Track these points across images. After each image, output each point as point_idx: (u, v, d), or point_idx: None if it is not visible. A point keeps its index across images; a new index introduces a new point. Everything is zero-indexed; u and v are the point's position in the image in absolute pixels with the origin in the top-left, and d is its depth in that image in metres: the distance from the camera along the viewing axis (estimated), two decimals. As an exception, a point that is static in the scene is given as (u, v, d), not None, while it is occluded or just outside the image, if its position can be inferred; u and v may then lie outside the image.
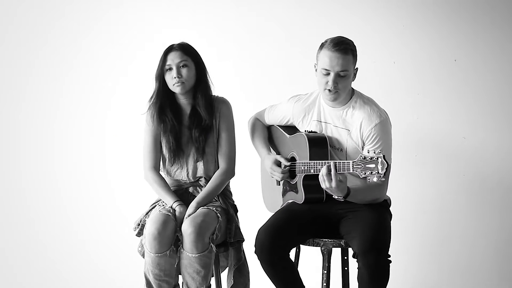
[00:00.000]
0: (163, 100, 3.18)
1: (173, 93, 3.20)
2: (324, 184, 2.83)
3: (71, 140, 4.36)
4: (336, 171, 2.80)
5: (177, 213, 3.07)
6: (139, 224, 3.14)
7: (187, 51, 3.15)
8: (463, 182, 4.13)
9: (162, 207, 3.13)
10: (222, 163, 3.20)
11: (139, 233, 3.13)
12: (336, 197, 2.89)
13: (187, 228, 2.96)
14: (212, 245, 2.98)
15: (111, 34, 4.31)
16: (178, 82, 3.12)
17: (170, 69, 3.12)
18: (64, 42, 4.33)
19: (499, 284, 4.11)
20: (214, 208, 3.07)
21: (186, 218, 3.03)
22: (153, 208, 3.20)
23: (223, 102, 3.24)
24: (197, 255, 2.95)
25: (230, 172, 3.22)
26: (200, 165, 3.20)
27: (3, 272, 4.37)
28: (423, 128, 4.14)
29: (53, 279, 4.34)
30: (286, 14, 4.21)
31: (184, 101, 3.22)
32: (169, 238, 2.99)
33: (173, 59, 3.12)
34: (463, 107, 4.12)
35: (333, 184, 2.80)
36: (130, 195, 4.24)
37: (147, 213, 3.18)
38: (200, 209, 3.06)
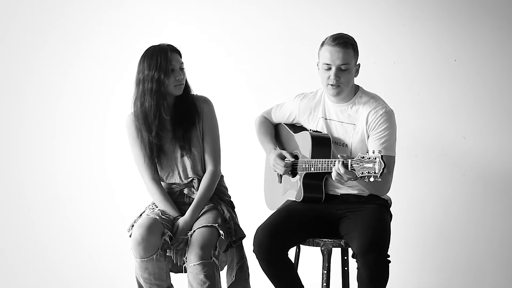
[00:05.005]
0: (153, 103, 3.05)
1: (161, 96, 3.08)
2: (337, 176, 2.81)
3: (71, 140, 4.36)
4: (347, 168, 2.78)
5: (177, 228, 3.06)
6: (132, 226, 3.13)
7: (180, 54, 3.12)
8: (463, 182, 4.13)
9: (151, 210, 3.12)
10: (209, 165, 3.18)
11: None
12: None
13: (193, 257, 2.94)
14: (214, 259, 2.96)
15: (111, 34, 4.31)
16: (180, 84, 3.09)
17: (173, 70, 3.06)
18: (64, 42, 4.33)
19: (499, 285, 4.11)
20: (217, 224, 3.03)
21: (186, 233, 3.03)
22: (145, 210, 3.20)
23: (205, 102, 3.19)
24: (199, 262, 2.92)
25: (217, 173, 3.19)
26: (187, 161, 3.16)
27: (3, 272, 4.37)
28: (423, 128, 4.14)
29: (53, 279, 4.34)
30: (289, 13, 4.21)
31: (170, 102, 3.14)
32: (155, 243, 2.96)
33: (177, 60, 3.07)
34: (463, 107, 4.12)
35: (345, 178, 2.79)
36: (130, 195, 4.24)
37: (140, 215, 3.17)
38: (201, 231, 3.00)
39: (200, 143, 3.18)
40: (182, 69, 3.10)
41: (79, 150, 4.36)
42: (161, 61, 3.04)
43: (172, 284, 3.10)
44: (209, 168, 3.17)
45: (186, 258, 2.98)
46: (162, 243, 2.98)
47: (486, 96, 4.10)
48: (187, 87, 3.16)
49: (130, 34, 4.30)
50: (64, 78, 4.35)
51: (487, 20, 4.08)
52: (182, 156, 3.16)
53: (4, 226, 4.40)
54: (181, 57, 3.11)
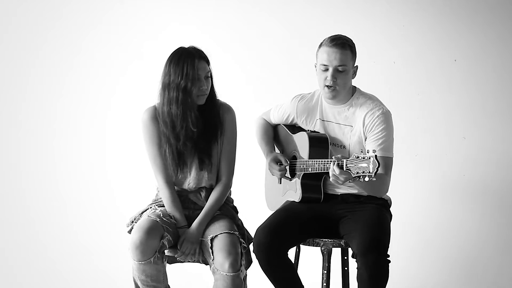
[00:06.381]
0: (179, 113, 2.99)
1: (187, 107, 3.01)
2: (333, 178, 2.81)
3: (71, 140, 4.36)
4: (342, 169, 2.78)
5: (182, 240, 3.04)
6: (132, 222, 3.11)
7: (208, 61, 3.04)
8: (463, 182, 4.13)
9: (153, 211, 3.08)
10: (223, 176, 3.13)
11: (131, 231, 3.06)
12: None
13: (228, 266, 2.90)
14: (243, 267, 2.94)
15: (111, 34, 4.31)
16: (203, 94, 3.02)
17: (198, 79, 2.98)
18: (64, 42, 4.33)
19: (499, 285, 4.11)
20: (237, 232, 3.00)
21: (191, 243, 3.01)
22: (148, 208, 3.18)
23: (228, 110, 3.13)
24: (232, 274, 2.90)
25: (229, 185, 3.16)
26: (205, 175, 3.12)
27: (3, 272, 4.37)
28: (423, 128, 4.14)
29: (53, 279, 4.34)
30: (289, 13, 4.21)
31: (195, 112, 3.06)
32: (153, 246, 2.91)
33: (203, 69, 2.99)
34: (463, 107, 4.12)
35: (341, 179, 2.78)
36: (130, 195, 4.24)
37: (142, 212, 3.15)
38: (227, 237, 2.95)
39: (218, 155, 3.14)
40: (207, 77, 3.02)
41: (79, 150, 4.36)
42: (187, 69, 2.95)
43: (169, 285, 3.09)
44: (222, 179, 3.13)
45: (213, 260, 2.93)
46: (160, 246, 2.95)
47: (486, 96, 4.10)
48: (212, 95, 3.08)
49: (130, 34, 4.30)
50: (64, 78, 4.35)
51: (487, 20, 4.08)
52: (201, 169, 3.10)
53: (4, 226, 4.39)
54: (208, 65, 3.03)
